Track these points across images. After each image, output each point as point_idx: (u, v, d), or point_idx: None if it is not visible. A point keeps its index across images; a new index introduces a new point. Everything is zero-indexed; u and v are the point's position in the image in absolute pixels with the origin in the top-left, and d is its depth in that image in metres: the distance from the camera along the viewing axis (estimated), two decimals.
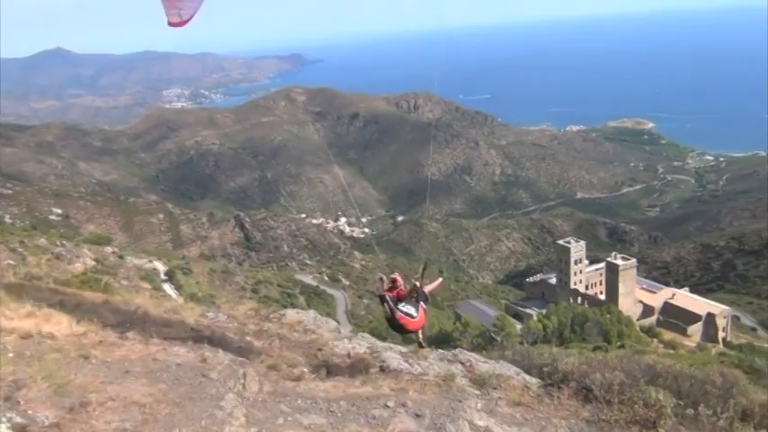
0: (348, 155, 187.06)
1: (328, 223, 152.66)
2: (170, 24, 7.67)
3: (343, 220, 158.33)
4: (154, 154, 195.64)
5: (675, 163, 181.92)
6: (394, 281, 8.17)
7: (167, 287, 39.90)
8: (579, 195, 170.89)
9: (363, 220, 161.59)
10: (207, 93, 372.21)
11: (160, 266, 47.21)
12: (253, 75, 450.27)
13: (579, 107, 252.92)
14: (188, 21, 8.18)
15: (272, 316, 9.51)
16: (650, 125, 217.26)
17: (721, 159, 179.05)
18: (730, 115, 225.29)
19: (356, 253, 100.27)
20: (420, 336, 8.58)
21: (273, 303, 39.27)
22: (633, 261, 63.86)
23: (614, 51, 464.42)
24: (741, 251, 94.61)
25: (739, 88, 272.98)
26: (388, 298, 7.69)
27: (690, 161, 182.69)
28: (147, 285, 34.19)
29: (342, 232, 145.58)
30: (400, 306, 7.69)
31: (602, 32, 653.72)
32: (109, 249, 43.69)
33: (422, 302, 7.89)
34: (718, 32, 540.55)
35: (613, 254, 66.43)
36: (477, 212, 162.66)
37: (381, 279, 8.07)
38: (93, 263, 33.83)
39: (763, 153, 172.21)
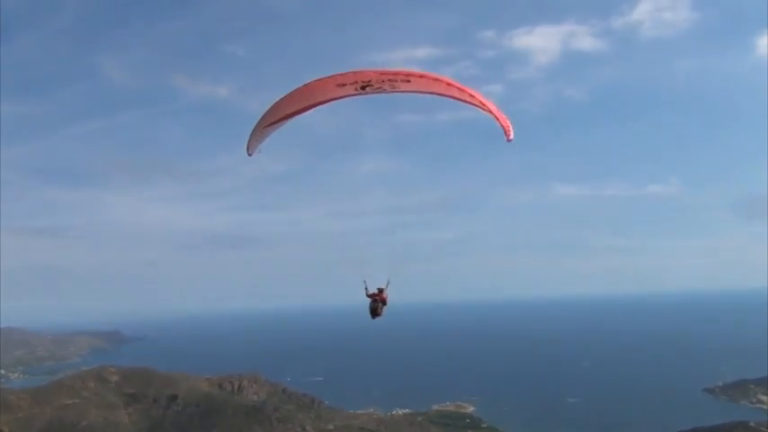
0: None
1: None
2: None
3: None
4: None
5: None
6: (381, 291, 23.57)
7: None
8: None
9: None
10: (3, 372, 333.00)
11: None
12: (62, 352, 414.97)
13: (405, 390, 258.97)
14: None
15: None
16: (471, 408, 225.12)
17: None
18: (539, 397, 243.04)
19: None
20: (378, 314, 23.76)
21: None
22: None
23: (433, 331, 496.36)
24: None
25: (547, 372, 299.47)
26: (375, 299, 23.52)
27: None
28: None
29: None
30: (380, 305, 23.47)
31: (420, 315, 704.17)
32: None
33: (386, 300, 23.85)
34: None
35: None
36: None
37: (373, 291, 23.77)
38: None
39: None
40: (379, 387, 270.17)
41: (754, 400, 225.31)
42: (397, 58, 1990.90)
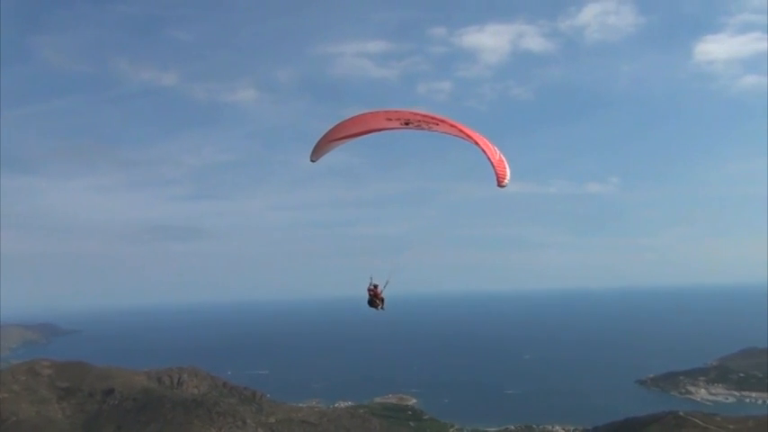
0: None
1: None
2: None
3: None
4: None
5: None
6: (376, 286, 28.00)
7: None
8: None
9: None
10: None
11: None
12: None
13: (347, 382, 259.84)
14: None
15: None
16: (413, 401, 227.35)
17: None
18: (480, 389, 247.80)
19: None
20: (381, 308, 28.34)
21: None
22: None
23: (377, 326, 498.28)
24: None
25: (489, 365, 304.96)
26: (374, 292, 27.99)
27: None
28: None
29: None
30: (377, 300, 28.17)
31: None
32: None
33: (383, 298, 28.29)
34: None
35: None
36: None
37: (374, 285, 28.09)
38: None
39: (513, 427, 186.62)
40: (321, 380, 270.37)
41: (684, 390, 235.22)
42: (350, 51, 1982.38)
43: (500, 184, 23.74)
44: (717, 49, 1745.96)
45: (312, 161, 27.34)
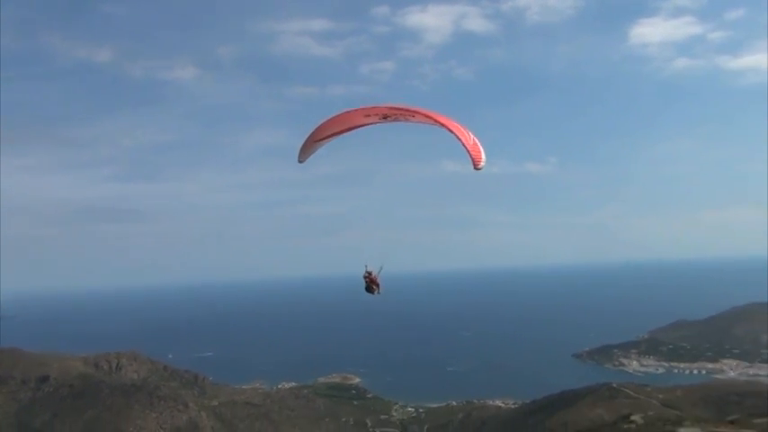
0: (34, 424, 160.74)
1: None
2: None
3: None
4: None
5: (382, 416, 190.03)
6: (370, 273, 29.25)
7: None
8: None
9: None
10: None
11: None
12: None
13: (292, 363, 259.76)
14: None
15: None
16: (357, 380, 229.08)
17: (421, 410, 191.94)
18: (422, 366, 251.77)
19: None
20: (377, 293, 29.84)
21: None
22: None
23: (321, 306, 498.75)
24: None
25: (431, 343, 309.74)
26: (369, 278, 29.31)
27: (394, 413, 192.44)
28: None
29: None
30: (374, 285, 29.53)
31: (305, 290, 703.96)
32: None
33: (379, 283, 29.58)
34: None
35: None
36: None
37: (368, 271, 29.21)
38: None
39: (455, 403, 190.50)
40: (266, 361, 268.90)
41: (617, 363, 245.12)
42: (292, 28, 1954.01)
43: (476, 167, 25.04)
44: (651, 32, 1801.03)
45: (300, 162, 28.40)
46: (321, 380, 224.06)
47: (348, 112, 26.09)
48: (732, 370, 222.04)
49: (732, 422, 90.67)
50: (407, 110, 25.48)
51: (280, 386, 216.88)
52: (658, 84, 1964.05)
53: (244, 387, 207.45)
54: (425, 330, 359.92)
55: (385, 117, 25.84)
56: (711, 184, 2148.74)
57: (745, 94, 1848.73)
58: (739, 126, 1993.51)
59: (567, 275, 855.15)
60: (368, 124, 26.61)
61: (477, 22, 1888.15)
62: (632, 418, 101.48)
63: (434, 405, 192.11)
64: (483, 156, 25.23)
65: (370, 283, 30.09)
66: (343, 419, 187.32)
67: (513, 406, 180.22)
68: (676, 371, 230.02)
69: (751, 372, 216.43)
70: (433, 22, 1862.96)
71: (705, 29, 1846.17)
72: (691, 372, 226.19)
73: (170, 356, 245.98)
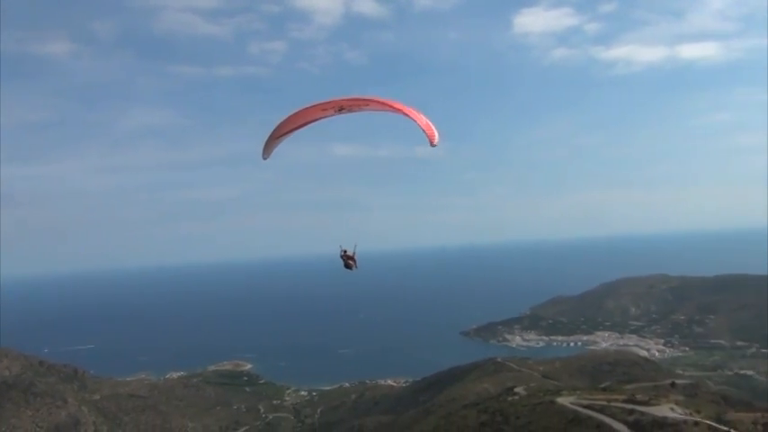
0: None
1: None
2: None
3: None
4: None
5: (275, 401, 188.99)
6: (345, 251, 31.17)
7: None
8: None
9: None
10: None
11: None
12: None
13: (180, 352, 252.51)
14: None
15: None
16: (248, 366, 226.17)
17: (314, 393, 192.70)
18: (315, 350, 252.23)
19: None
20: (354, 269, 31.22)
21: None
22: None
23: (207, 295, 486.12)
24: None
25: (324, 326, 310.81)
26: (346, 256, 31.09)
27: (287, 398, 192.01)
28: None
29: None
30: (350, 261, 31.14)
31: (194, 279, 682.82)
32: None
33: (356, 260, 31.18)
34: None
35: None
36: None
37: (343, 250, 31.05)
38: None
39: (347, 384, 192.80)
40: (151, 352, 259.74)
41: (501, 338, 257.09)
42: (175, 4, 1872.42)
43: (432, 144, 26.18)
44: (533, 21, 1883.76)
45: (264, 158, 29.29)
46: (211, 368, 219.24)
47: (306, 108, 26.57)
48: (604, 341, 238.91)
49: (604, 389, 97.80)
50: (362, 99, 26.20)
51: (167, 376, 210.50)
52: (538, 72, 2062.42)
53: (128, 379, 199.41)
54: (317, 315, 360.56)
55: (341, 109, 26.45)
56: (583, 167, 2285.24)
57: (616, 83, 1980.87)
58: (609, 114, 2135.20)
59: (452, 256, 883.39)
60: (326, 117, 27.27)
61: (367, 5, 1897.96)
62: (516, 390, 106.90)
63: (327, 388, 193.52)
64: (437, 134, 26.26)
65: (347, 260, 31.74)
66: (235, 407, 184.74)
67: (404, 384, 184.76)
68: (555, 344, 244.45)
69: (621, 342, 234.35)
70: (323, 4, 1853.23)
71: (581, 20, 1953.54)
72: (568, 344, 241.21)
73: (46, 351, 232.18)
